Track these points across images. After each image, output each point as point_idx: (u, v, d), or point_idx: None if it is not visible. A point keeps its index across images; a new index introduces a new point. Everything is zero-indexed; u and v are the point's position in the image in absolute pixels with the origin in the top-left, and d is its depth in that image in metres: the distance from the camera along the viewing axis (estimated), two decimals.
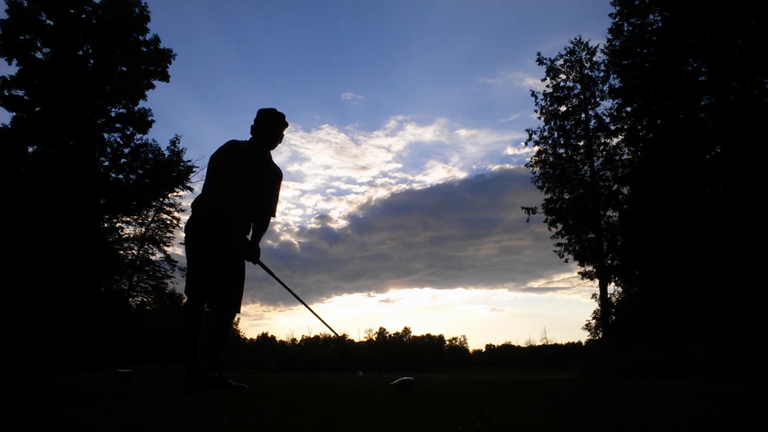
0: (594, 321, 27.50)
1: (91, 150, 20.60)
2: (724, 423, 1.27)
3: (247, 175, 3.58)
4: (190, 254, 3.58)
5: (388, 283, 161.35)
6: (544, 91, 25.33)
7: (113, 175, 21.62)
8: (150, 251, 22.38)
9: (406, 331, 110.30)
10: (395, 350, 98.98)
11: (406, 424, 1.25)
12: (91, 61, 20.83)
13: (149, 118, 21.45)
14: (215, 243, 3.54)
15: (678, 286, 16.71)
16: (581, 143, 24.89)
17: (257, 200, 3.68)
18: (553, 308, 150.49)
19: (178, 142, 21.86)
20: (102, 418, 1.29)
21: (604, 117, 24.23)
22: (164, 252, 22.46)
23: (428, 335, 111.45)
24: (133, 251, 22.04)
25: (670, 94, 18.52)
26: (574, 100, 25.04)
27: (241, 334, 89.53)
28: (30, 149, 19.79)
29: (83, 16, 20.36)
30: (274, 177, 3.80)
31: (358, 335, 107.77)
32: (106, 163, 21.54)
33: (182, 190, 22.32)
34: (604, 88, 24.37)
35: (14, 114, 19.48)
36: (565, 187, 24.71)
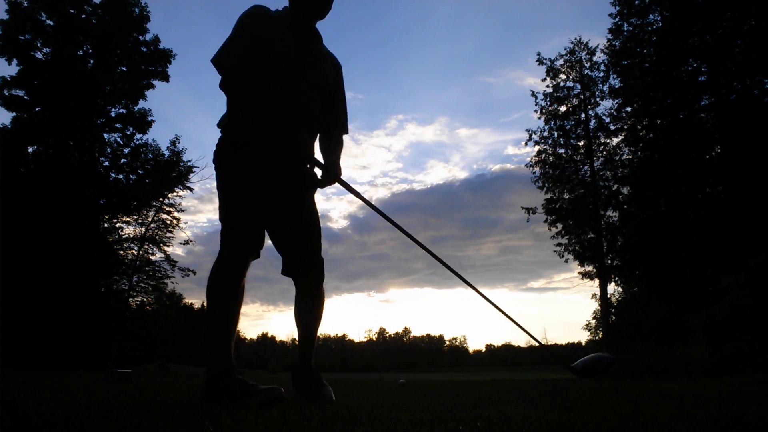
0: (594, 321, 27.46)
1: (91, 150, 20.62)
2: (724, 423, 1.27)
3: (288, 54, 2.33)
4: (225, 188, 2.34)
5: (388, 283, 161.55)
6: (544, 91, 25.35)
7: (113, 175, 21.65)
8: (150, 251, 22.39)
9: (406, 331, 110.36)
10: (395, 350, 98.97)
11: (406, 424, 1.25)
12: (91, 61, 20.84)
13: (149, 118, 21.48)
14: (262, 168, 2.32)
15: (678, 286, 16.72)
16: (581, 143, 24.89)
17: (312, 96, 2.41)
18: (553, 308, 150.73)
19: (178, 142, 21.88)
20: (102, 418, 1.29)
21: (604, 117, 24.26)
22: (164, 252, 22.47)
23: (428, 335, 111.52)
24: (133, 251, 22.04)
25: (670, 94, 18.53)
26: (574, 100, 25.04)
27: (241, 334, 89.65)
28: (30, 149, 19.81)
29: (83, 16, 20.38)
30: (329, 65, 2.53)
31: (358, 335, 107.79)
32: (106, 163, 21.59)
33: (182, 190, 22.33)
34: (604, 88, 24.39)
35: (14, 114, 19.52)
36: (565, 187, 24.71)
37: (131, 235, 22.09)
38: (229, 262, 2.25)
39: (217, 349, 2.10)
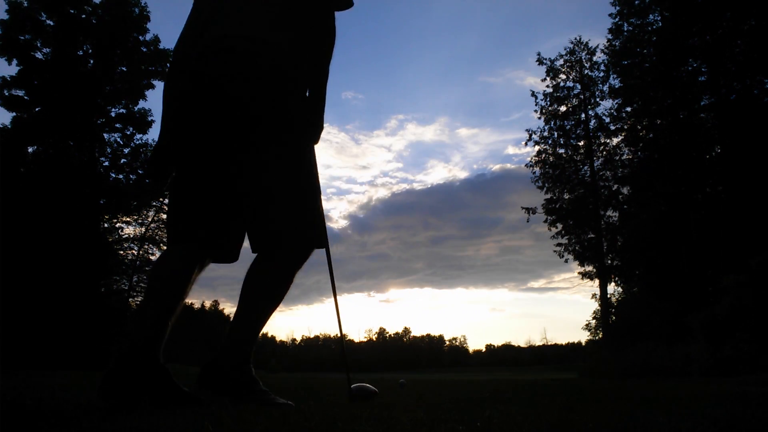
0: (594, 321, 27.50)
1: (91, 150, 20.63)
2: (724, 423, 1.27)
3: None
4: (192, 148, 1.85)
5: (388, 283, 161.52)
6: (544, 91, 25.38)
7: (113, 175, 21.68)
8: (150, 251, 22.42)
9: (406, 331, 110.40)
10: (395, 350, 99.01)
11: (406, 424, 1.25)
12: (91, 61, 20.86)
13: (149, 118, 21.50)
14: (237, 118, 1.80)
15: (678, 286, 16.72)
16: (581, 143, 24.92)
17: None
18: (553, 308, 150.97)
19: None
20: (102, 418, 1.29)
21: (604, 117, 24.29)
22: None
23: (428, 335, 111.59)
24: (133, 251, 22.08)
25: (670, 94, 18.54)
26: (574, 100, 25.06)
27: None
28: (30, 149, 19.83)
29: (83, 16, 20.39)
30: None
31: (358, 335, 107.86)
32: (106, 163, 21.61)
33: None
34: (604, 88, 24.43)
35: (14, 114, 19.53)
36: (565, 187, 24.74)
37: (131, 235, 22.14)
38: (179, 251, 1.86)
39: (241, 337, 1.85)
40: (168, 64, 21.74)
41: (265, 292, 1.90)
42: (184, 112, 1.87)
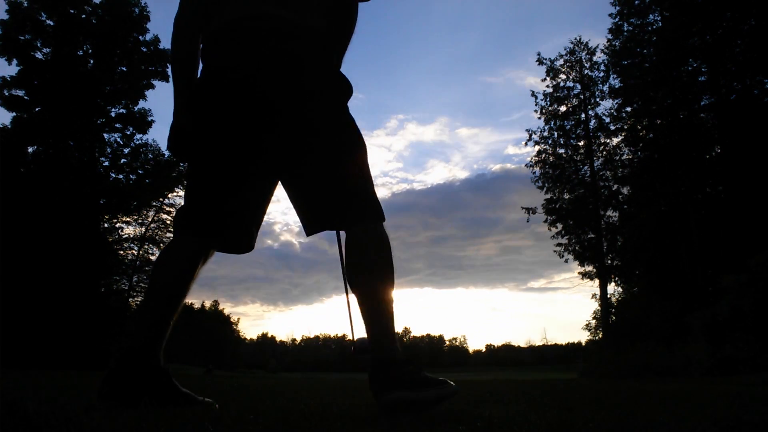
0: (594, 321, 27.48)
1: (91, 150, 20.65)
2: (724, 423, 1.27)
3: None
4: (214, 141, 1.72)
5: None
6: (544, 91, 25.38)
7: (113, 175, 21.72)
8: (150, 251, 22.45)
9: (406, 331, 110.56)
10: None
11: (406, 424, 1.25)
12: (91, 61, 20.88)
13: (149, 118, 21.54)
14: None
15: (678, 286, 16.73)
16: (581, 143, 24.92)
17: None
18: (553, 308, 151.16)
19: None
20: (102, 418, 1.29)
21: (604, 117, 24.28)
22: None
23: (428, 335, 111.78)
24: (133, 251, 22.10)
25: (670, 94, 18.55)
26: (574, 100, 25.07)
27: (241, 334, 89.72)
28: (30, 149, 19.85)
29: (83, 16, 20.41)
30: None
31: (358, 335, 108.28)
32: (106, 163, 21.64)
33: (182, 190, 22.38)
34: (604, 88, 24.42)
35: (14, 114, 19.56)
36: (565, 187, 24.74)
37: (131, 235, 22.16)
38: (189, 239, 1.81)
39: (382, 328, 1.67)
40: (168, 65, 21.87)
41: (375, 269, 1.68)
42: (202, 105, 1.76)
